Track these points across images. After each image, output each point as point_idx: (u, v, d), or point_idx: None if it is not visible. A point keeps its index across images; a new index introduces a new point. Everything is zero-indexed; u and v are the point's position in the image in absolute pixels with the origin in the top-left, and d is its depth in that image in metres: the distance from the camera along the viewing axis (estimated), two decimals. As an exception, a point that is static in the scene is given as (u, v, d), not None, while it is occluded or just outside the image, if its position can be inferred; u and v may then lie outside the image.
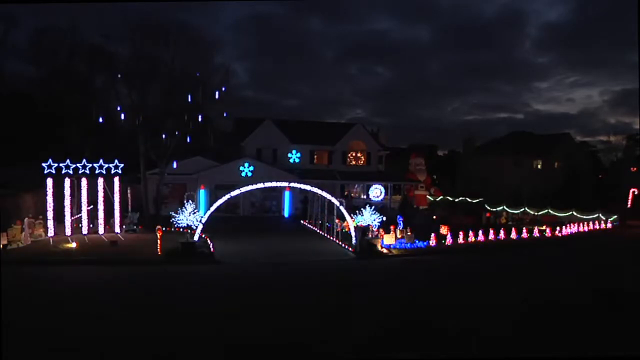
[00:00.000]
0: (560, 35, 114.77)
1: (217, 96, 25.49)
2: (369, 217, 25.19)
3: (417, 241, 22.89)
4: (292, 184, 28.21)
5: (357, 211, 25.88)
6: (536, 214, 35.72)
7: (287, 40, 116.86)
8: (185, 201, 26.03)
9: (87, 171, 23.68)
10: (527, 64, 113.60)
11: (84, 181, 24.25)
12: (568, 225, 30.48)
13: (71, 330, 10.65)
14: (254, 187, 23.93)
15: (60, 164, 23.22)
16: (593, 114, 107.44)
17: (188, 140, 27.37)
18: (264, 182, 34.67)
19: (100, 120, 24.97)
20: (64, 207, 25.34)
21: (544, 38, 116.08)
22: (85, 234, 23.40)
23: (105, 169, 23.88)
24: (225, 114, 30.90)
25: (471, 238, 24.82)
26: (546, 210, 35.28)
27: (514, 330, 11.22)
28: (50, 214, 22.90)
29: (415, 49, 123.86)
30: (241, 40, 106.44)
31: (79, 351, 9.49)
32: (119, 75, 25.15)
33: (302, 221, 31.09)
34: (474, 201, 38.97)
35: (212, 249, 19.91)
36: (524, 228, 28.12)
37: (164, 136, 26.02)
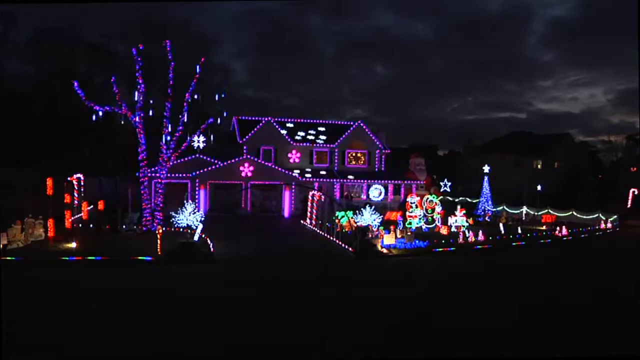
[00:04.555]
0: (565, 32, 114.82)
1: (217, 95, 25.51)
2: (369, 217, 25.21)
3: (417, 241, 22.89)
4: (292, 184, 28.23)
5: (357, 211, 25.90)
6: (536, 214, 35.73)
7: (287, 38, 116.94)
8: (185, 201, 26.03)
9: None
10: (530, 62, 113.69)
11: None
12: (568, 225, 30.50)
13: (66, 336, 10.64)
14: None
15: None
16: (596, 114, 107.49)
17: (188, 140, 27.39)
18: (264, 182, 34.96)
19: (100, 119, 24.97)
20: (64, 207, 25.39)
21: (548, 35, 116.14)
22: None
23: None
24: (225, 114, 30.97)
25: (471, 238, 24.84)
26: (546, 210, 35.28)
27: (510, 331, 11.23)
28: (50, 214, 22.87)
29: (416, 47, 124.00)
30: (240, 38, 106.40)
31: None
32: (119, 75, 25.14)
33: (302, 221, 31.09)
34: (474, 201, 38.97)
35: (212, 249, 19.90)
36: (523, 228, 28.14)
37: (163, 136, 26.03)
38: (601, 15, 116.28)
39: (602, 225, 32.54)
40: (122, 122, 25.62)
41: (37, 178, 27.25)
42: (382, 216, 26.34)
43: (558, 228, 29.27)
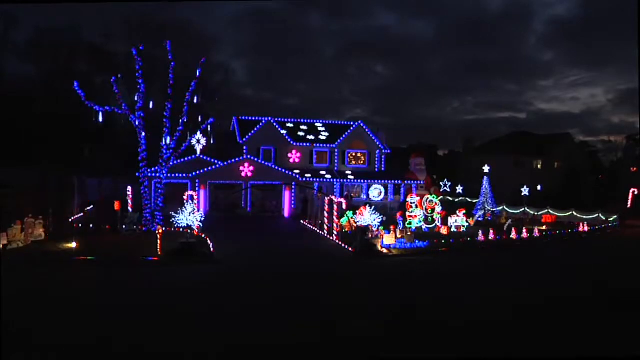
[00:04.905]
0: (565, 32, 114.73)
1: (217, 95, 25.52)
2: (369, 217, 25.21)
3: (417, 241, 22.89)
4: (292, 184, 28.12)
5: (357, 211, 25.89)
6: (536, 214, 35.70)
7: (287, 38, 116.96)
8: (185, 201, 26.02)
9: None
10: (530, 61, 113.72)
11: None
12: (568, 225, 30.55)
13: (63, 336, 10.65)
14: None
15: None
16: (596, 114, 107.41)
17: (188, 140, 27.40)
18: (264, 182, 34.96)
19: (100, 119, 24.95)
20: (64, 207, 25.40)
21: (548, 34, 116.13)
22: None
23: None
24: (224, 114, 31.06)
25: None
26: (546, 210, 35.27)
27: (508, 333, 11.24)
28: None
29: (416, 46, 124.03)
30: (239, 37, 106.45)
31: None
32: (119, 75, 25.13)
33: (302, 221, 31.09)
34: (474, 201, 38.96)
35: (212, 249, 19.90)
36: (524, 228, 28.11)
37: (163, 136, 26.04)
38: (602, 15, 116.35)
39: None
40: (122, 122, 25.61)
41: (37, 178, 27.25)
42: (382, 216, 26.31)
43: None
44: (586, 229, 30.61)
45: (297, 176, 36.12)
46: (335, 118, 63.37)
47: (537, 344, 10.36)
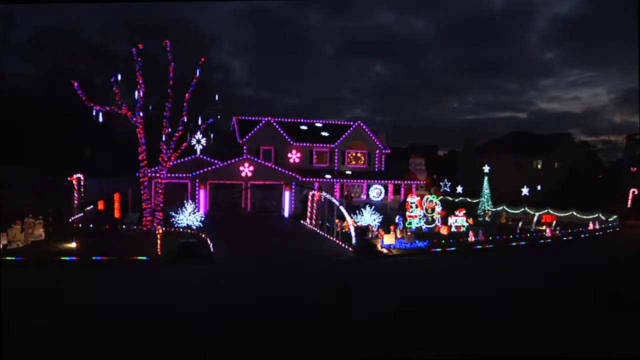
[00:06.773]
0: (567, 31, 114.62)
1: (217, 96, 25.45)
2: (369, 217, 25.22)
3: (417, 241, 22.89)
4: (292, 184, 27.98)
5: (357, 211, 25.88)
6: (536, 214, 35.69)
7: (286, 37, 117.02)
8: (185, 201, 26.04)
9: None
10: (531, 60, 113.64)
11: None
12: (568, 225, 30.50)
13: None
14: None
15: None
16: (598, 113, 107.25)
17: (188, 140, 27.40)
18: (264, 182, 34.97)
19: (100, 120, 24.95)
20: (63, 207, 25.41)
21: (549, 33, 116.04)
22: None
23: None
24: (221, 115, 31.10)
25: (471, 238, 24.82)
26: (546, 210, 35.26)
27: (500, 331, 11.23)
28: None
29: (416, 46, 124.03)
30: (239, 37, 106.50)
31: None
32: (119, 75, 25.12)
33: (302, 221, 31.08)
34: (474, 201, 38.96)
35: (212, 249, 19.88)
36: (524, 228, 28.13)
37: (163, 136, 26.03)
38: (604, 13, 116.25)
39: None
40: (122, 122, 25.61)
41: (37, 178, 27.25)
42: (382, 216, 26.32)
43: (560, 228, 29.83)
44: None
45: (297, 176, 36.12)
46: (335, 118, 63.53)
47: (532, 347, 10.37)
